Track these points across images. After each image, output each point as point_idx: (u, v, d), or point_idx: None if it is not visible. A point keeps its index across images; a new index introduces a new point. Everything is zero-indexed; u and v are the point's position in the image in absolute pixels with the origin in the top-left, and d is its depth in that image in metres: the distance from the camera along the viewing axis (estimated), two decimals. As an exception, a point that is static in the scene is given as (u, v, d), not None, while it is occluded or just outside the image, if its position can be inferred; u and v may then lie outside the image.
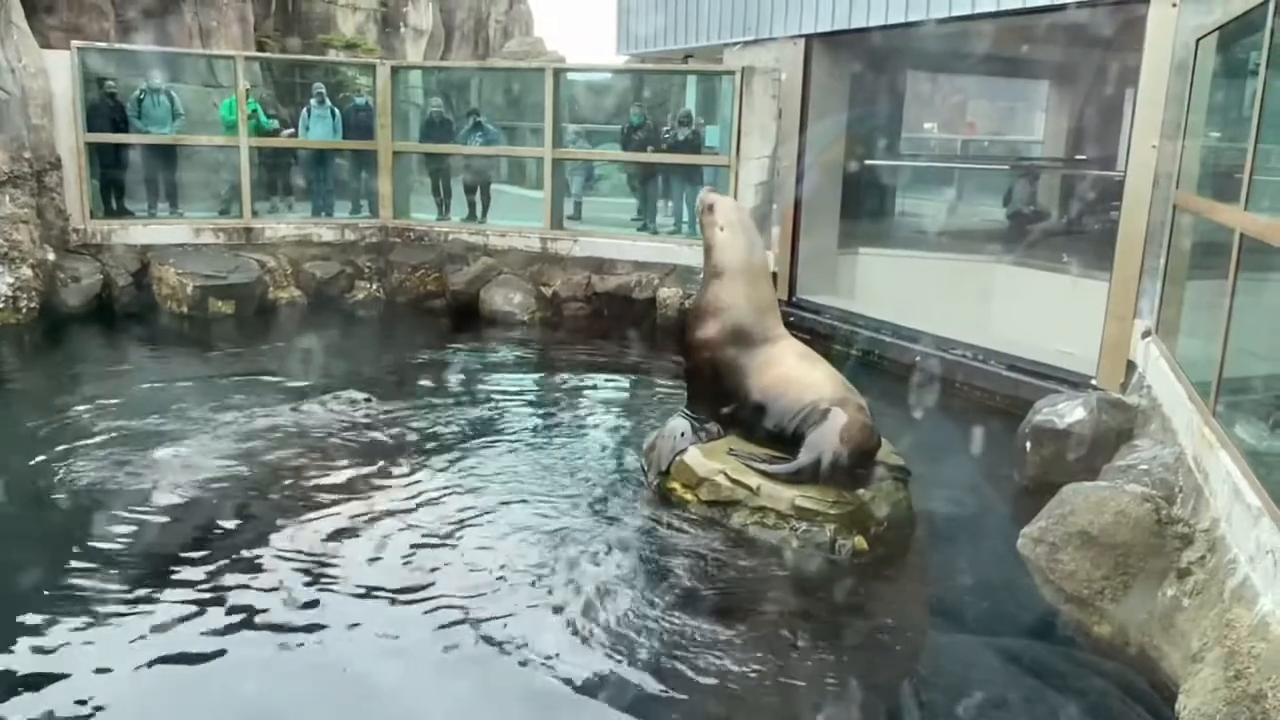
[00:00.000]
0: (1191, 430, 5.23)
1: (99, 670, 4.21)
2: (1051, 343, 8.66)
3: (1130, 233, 7.57)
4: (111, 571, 5.06)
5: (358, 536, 5.59)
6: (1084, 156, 15.01)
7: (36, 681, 4.10)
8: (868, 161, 12.70)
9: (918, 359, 9.33)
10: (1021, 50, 12.72)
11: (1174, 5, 7.09)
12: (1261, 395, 5.16)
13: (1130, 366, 7.48)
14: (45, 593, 4.85)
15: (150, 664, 4.27)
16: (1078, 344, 8.24)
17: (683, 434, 6.31)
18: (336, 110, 13.01)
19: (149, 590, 4.87)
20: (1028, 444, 6.84)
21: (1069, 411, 6.71)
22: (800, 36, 11.10)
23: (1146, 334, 7.18)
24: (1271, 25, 4.65)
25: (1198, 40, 6.68)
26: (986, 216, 14.45)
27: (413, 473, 6.61)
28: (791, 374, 6.09)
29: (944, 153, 20.07)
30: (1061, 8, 8.21)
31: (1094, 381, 7.78)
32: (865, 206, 12.84)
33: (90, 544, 5.37)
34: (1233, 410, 4.87)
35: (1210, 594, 4.15)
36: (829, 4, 10.54)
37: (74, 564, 5.14)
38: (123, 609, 4.71)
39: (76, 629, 4.53)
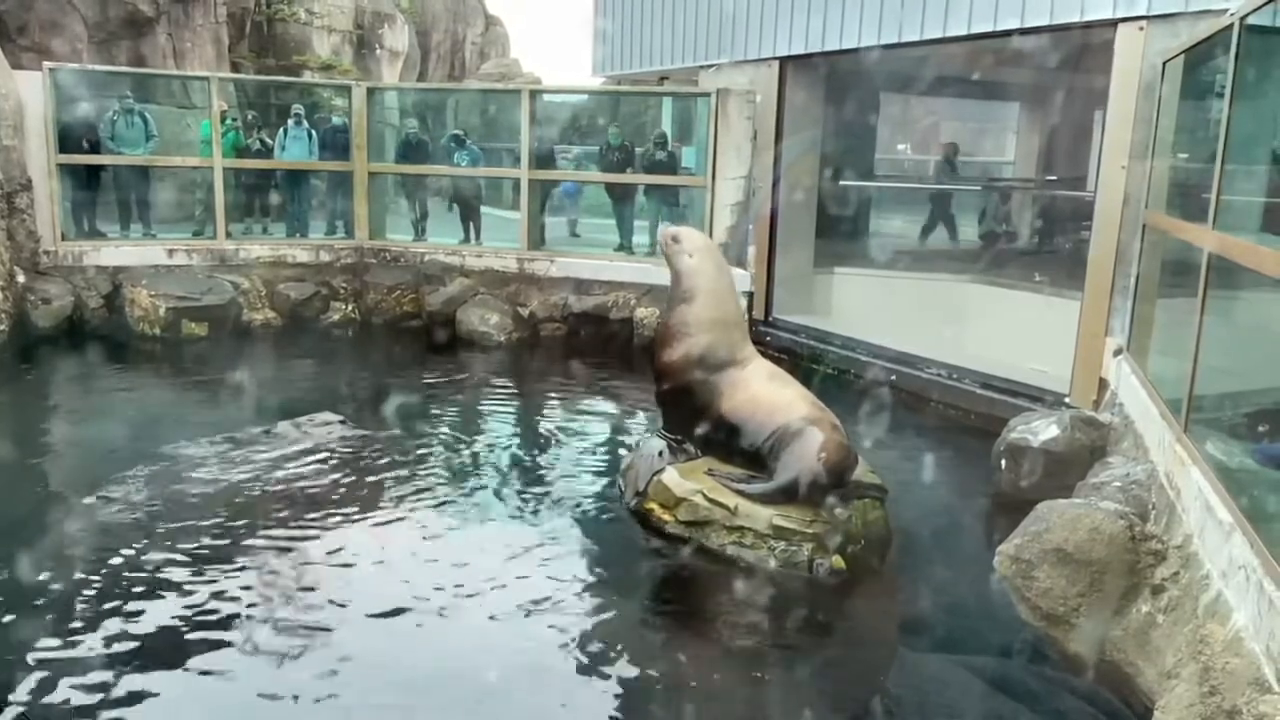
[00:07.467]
0: (1164, 447, 5.28)
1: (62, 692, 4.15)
2: (1025, 361, 8.73)
3: (1101, 252, 7.67)
4: (78, 592, 4.98)
5: (331, 559, 5.53)
6: (1055, 177, 15.21)
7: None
8: (842, 182, 12.81)
9: (893, 378, 9.39)
10: (993, 72, 12.89)
11: (1141, 29, 7.22)
12: (1232, 412, 5.22)
13: (1103, 384, 7.55)
14: (13, 617, 4.77)
15: (113, 690, 4.21)
16: (1051, 362, 8.32)
17: (660, 454, 6.31)
18: (314, 131, 12.98)
19: (113, 616, 4.80)
20: (1002, 461, 6.88)
21: (1043, 429, 6.76)
22: (774, 59, 11.22)
23: (1118, 352, 7.26)
24: (1236, 48, 4.73)
25: (1164, 63, 6.79)
26: (960, 236, 14.58)
27: (387, 495, 6.56)
28: (762, 394, 6.11)
29: (917, 173, 20.26)
30: (1031, 31, 8.33)
31: (1067, 399, 7.85)
32: (840, 226, 12.94)
33: (56, 566, 5.27)
34: (1204, 427, 4.92)
35: (1184, 610, 4.18)
36: (802, 27, 10.65)
37: (40, 586, 5.06)
38: (86, 635, 4.62)
39: (48, 649, 4.46)
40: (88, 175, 11.88)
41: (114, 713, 4.08)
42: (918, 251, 13.47)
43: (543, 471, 7.22)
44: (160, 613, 4.86)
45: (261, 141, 13.03)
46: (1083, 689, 4.43)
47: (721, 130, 11.15)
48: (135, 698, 4.18)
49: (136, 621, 4.77)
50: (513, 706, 4.28)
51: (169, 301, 11.08)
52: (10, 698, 4.11)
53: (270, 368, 10.31)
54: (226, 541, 5.69)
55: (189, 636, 4.66)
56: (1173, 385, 5.45)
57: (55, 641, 4.55)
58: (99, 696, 4.16)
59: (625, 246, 12.97)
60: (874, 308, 10.89)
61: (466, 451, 7.65)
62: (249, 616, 4.87)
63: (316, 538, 5.79)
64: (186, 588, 5.12)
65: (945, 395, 8.99)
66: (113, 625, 4.72)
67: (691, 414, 6.30)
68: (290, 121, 12.88)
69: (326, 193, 13.67)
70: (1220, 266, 4.74)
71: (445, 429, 8.27)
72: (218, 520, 5.96)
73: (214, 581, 5.20)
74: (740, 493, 5.78)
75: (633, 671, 4.55)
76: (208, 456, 7.01)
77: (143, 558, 5.43)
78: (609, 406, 9.39)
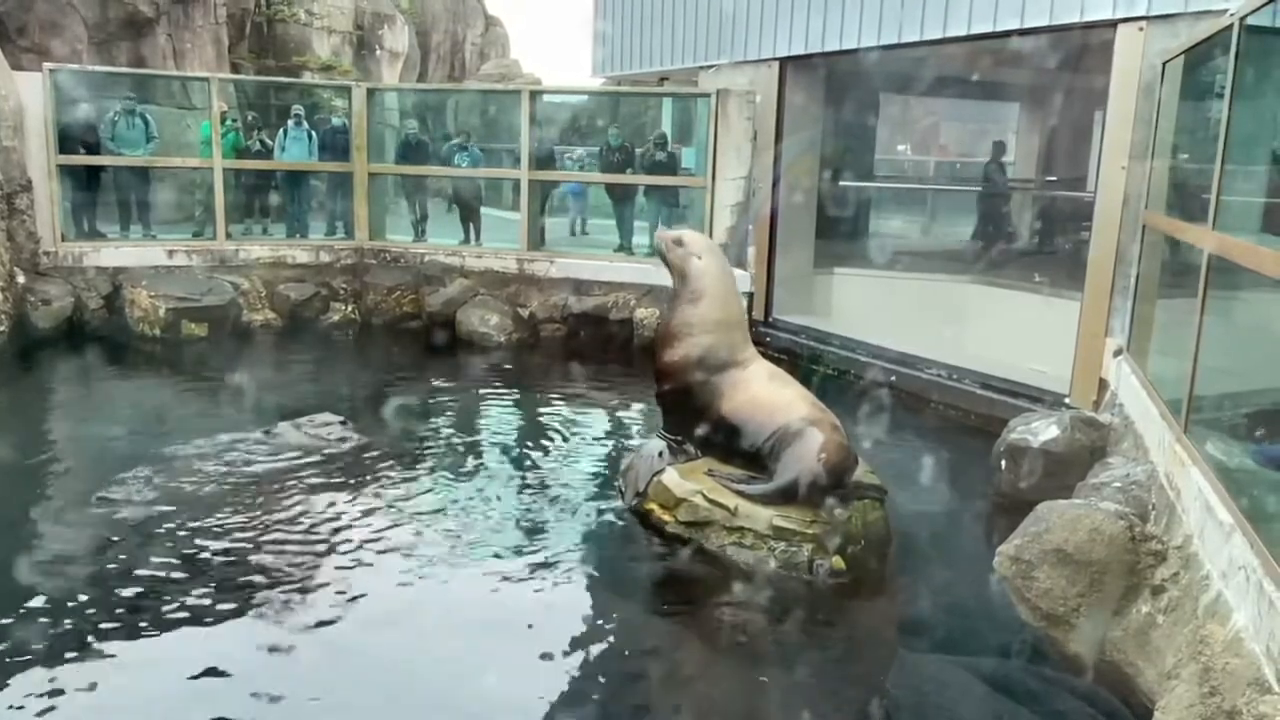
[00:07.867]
0: (1163, 447, 5.28)
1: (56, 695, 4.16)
2: (1025, 361, 8.73)
3: (1101, 252, 7.67)
4: (77, 592, 4.98)
5: (330, 560, 5.53)
6: (1054, 177, 15.22)
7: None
8: (842, 182, 12.82)
9: (893, 378, 9.39)
10: (992, 73, 12.90)
11: (1140, 29, 7.22)
12: (1232, 412, 5.22)
13: (1103, 384, 7.55)
14: (10, 618, 4.76)
15: (111, 689, 4.21)
16: (1051, 362, 8.32)
17: (660, 455, 6.31)
18: (314, 132, 12.98)
19: (111, 615, 4.80)
20: (1002, 462, 6.88)
21: (1043, 429, 6.76)
22: (774, 59, 11.22)
23: (1118, 352, 7.26)
24: (1236, 49, 4.73)
25: (1164, 63, 6.80)
26: (959, 236, 14.60)
27: (386, 495, 6.56)
28: (762, 395, 6.12)
29: (917, 174, 20.27)
30: (1030, 32, 8.33)
31: (1067, 400, 7.85)
32: (840, 227, 12.95)
33: (55, 566, 5.28)
34: (1204, 428, 4.92)
35: (1184, 610, 4.18)
36: (802, 27, 10.65)
37: (39, 587, 5.05)
38: (84, 635, 4.62)
39: (46, 648, 4.45)
40: (88, 176, 11.88)
41: (112, 711, 4.08)
42: (917, 252, 13.47)
43: (542, 472, 7.22)
44: (158, 613, 4.86)
45: (261, 142, 13.04)
46: (1083, 689, 4.42)
47: (721, 131, 11.15)
48: (133, 698, 4.19)
49: (135, 622, 4.77)
50: (511, 707, 4.28)
51: (169, 302, 11.08)
52: (7, 698, 4.11)
53: (270, 368, 10.30)
54: (226, 542, 5.68)
55: (187, 637, 4.66)
56: (1173, 386, 5.45)
57: (53, 640, 4.55)
58: (97, 695, 4.17)
59: (625, 247, 12.97)
60: (874, 308, 10.89)
61: (466, 452, 7.65)
62: (248, 616, 4.86)
63: (316, 538, 5.79)
64: (185, 588, 5.11)
65: (945, 396, 8.99)
66: (111, 625, 4.72)
67: (692, 415, 6.30)
68: (290, 122, 12.89)
69: (326, 193, 13.69)
70: (1220, 267, 4.74)
71: (445, 430, 8.27)
72: (217, 521, 5.95)
73: (213, 581, 5.20)
74: (740, 493, 5.78)
75: (632, 672, 4.56)
76: (208, 457, 7.00)
77: (142, 558, 5.42)
78: (609, 407, 9.39)
